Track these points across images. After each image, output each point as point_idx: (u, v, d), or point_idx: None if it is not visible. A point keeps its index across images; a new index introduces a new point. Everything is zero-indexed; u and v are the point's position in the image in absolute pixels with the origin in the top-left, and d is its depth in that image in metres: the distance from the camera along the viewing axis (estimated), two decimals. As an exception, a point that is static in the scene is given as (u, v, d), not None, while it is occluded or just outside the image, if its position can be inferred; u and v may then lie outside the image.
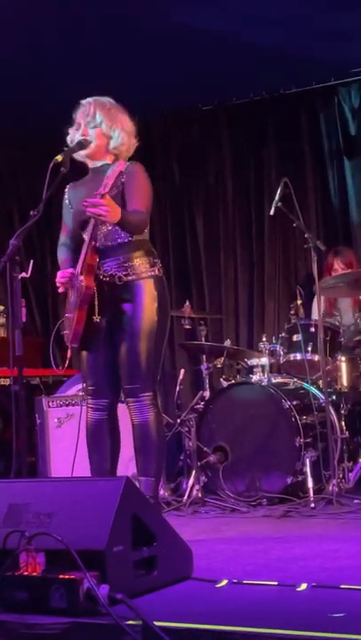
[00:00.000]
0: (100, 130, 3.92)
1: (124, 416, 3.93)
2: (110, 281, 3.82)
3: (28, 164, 7.33)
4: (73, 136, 3.98)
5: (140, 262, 3.86)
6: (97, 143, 3.93)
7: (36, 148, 7.09)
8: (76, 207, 3.94)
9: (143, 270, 3.86)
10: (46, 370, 6.45)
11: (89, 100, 3.98)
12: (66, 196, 4.09)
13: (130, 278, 3.83)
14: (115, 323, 3.84)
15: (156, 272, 3.89)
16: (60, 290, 3.92)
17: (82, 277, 3.77)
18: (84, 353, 3.94)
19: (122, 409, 4.00)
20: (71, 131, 3.99)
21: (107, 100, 4.00)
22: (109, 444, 3.93)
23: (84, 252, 3.81)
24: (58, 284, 3.91)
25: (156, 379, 3.87)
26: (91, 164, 4.02)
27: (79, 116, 3.96)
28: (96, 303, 3.80)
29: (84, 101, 3.99)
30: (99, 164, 3.97)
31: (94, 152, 3.94)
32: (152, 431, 3.81)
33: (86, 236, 3.84)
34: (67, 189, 4.09)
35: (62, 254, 4.08)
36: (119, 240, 3.85)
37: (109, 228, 3.82)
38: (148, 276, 3.86)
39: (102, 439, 3.92)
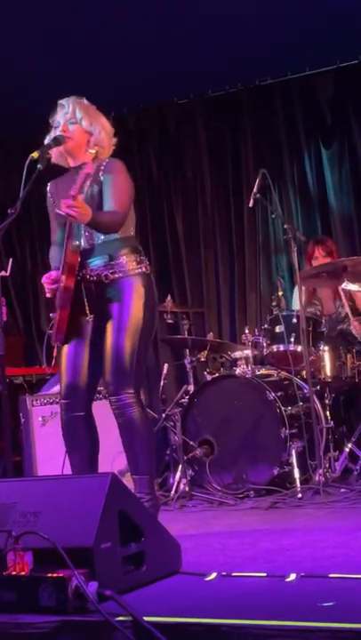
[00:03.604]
0: (81, 126, 3.88)
1: (109, 413, 3.90)
2: (97, 280, 3.77)
3: (5, 162, 7.30)
4: (51, 135, 3.93)
5: (126, 260, 3.81)
6: (77, 139, 3.87)
7: (13, 146, 7.07)
8: (58, 205, 3.91)
9: (130, 268, 3.80)
10: (30, 368, 6.44)
11: (66, 99, 3.94)
12: (48, 195, 4.04)
13: (117, 276, 3.78)
14: (102, 321, 3.80)
15: (143, 269, 3.84)
16: (48, 295, 3.88)
17: (63, 277, 3.74)
18: (65, 351, 3.88)
19: (105, 406, 3.97)
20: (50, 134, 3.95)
21: (84, 99, 3.97)
22: (88, 443, 3.86)
23: (64, 251, 3.78)
24: (46, 289, 3.88)
25: (140, 376, 3.80)
26: (72, 163, 3.96)
27: (58, 114, 3.92)
28: (86, 302, 3.77)
29: (61, 101, 3.94)
30: (79, 162, 3.91)
31: (74, 148, 3.88)
32: (137, 428, 3.75)
33: (66, 235, 3.82)
34: (48, 187, 4.04)
35: (52, 253, 4.02)
36: (104, 238, 3.79)
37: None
38: (135, 274, 3.80)
39: (80, 438, 3.85)
